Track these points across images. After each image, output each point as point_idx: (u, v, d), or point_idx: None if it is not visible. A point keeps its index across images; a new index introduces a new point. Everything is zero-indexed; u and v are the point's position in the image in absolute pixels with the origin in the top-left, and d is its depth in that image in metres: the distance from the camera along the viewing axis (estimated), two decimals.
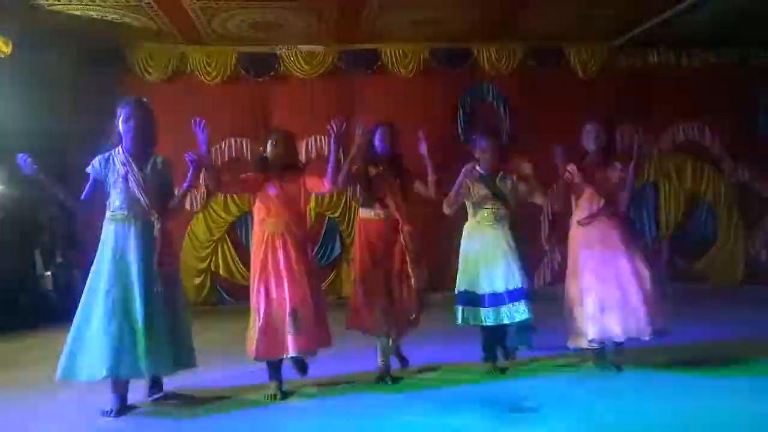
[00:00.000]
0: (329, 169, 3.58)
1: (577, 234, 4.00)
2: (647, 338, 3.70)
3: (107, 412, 3.17)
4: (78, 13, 6.13)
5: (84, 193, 3.40)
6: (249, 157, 7.46)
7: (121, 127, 3.32)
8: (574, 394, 3.40)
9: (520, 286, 3.75)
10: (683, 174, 8.00)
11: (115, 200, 3.32)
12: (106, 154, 3.37)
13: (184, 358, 3.36)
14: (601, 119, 4.06)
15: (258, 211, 3.69)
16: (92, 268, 3.28)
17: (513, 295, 3.75)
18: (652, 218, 7.98)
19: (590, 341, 3.77)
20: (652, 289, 3.79)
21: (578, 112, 7.19)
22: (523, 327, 4.03)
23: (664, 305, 3.87)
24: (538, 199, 4.09)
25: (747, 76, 7.84)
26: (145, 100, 3.49)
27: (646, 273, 3.82)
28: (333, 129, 3.52)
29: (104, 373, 3.07)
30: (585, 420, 2.95)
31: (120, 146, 3.35)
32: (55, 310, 6.51)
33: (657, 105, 7.94)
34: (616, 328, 3.70)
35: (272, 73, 7.48)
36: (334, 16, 6.53)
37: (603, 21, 6.95)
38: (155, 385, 3.49)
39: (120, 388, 3.23)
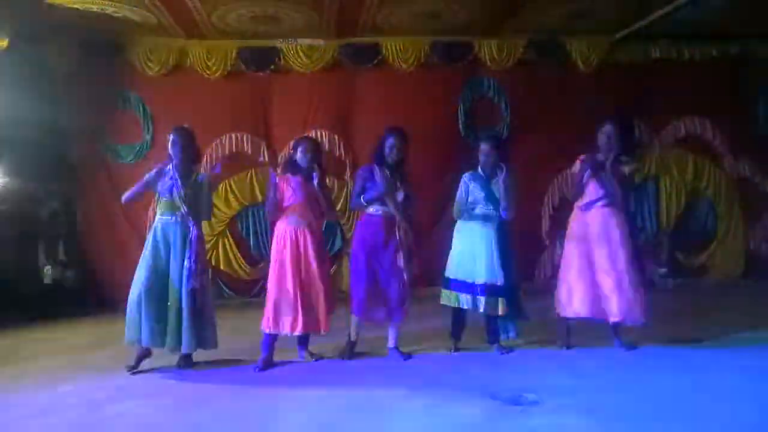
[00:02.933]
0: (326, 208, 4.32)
1: (575, 219, 4.43)
2: (615, 320, 4.17)
3: (128, 367, 4.03)
4: (77, 6, 6.10)
5: (132, 191, 4.17)
6: (249, 152, 7.46)
7: (170, 150, 4.12)
8: (576, 386, 3.40)
9: (498, 283, 4.20)
10: (684, 169, 7.99)
11: (162, 206, 4.12)
12: (161, 168, 4.15)
13: (208, 339, 4.08)
14: (612, 120, 4.35)
15: (283, 207, 4.25)
16: (141, 257, 4.05)
17: (491, 290, 4.20)
18: (653, 213, 7.98)
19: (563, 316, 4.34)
20: (630, 283, 4.14)
21: (579, 106, 7.23)
22: (506, 318, 4.34)
23: (641, 299, 4.15)
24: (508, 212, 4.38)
25: (748, 71, 7.81)
26: (187, 126, 4.26)
27: (625, 267, 4.16)
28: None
29: (143, 342, 3.94)
30: (586, 412, 2.96)
31: (171, 164, 4.13)
32: (57, 303, 6.55)
33: (658, 99, 7.90)
34: (581, 308, 4.21)
35: (272, 67, 7.45)
36: (335, 10, 6.51)
37: (604, 15, 6.92)
38: (185, 356, 4.14)
39: (142, 351, 4.06)
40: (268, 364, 4.10)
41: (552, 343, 4.43)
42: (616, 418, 2.90)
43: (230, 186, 7.44)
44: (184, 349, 3.98)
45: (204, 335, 4.05)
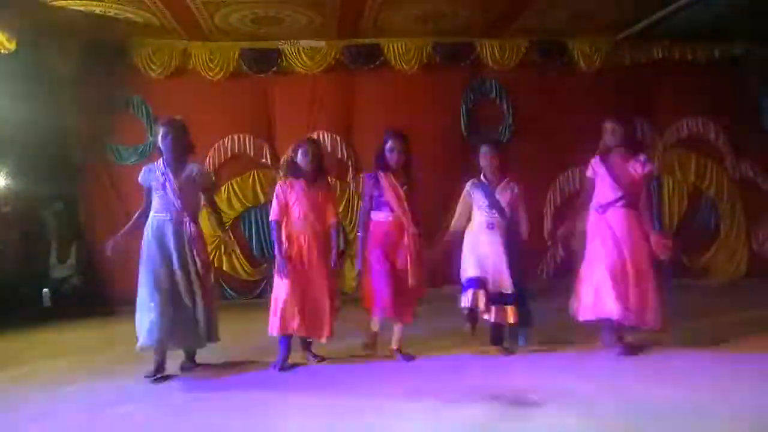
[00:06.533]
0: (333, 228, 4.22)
1: (592, 221, 4.23)
2: (633, 324, 3.99)
3: (148, 375, 3.85)
4: (81, 8, 6.13)
5: (144, 204, 4.02)
6: (252, 153, 7.48)
7: (160, 143, 3.94)
8: (579, 388, 3.40)
9: (508, 291, 4.13)
10: (687, 169, 7.98)
11: (156, 203, 3.94)
12: (150, 165, 4.03)
13: (212, 333, 4.02)
14: (617, 115, 4.22)
15: (289, 211, 4.17)
16: (141, 258, 3.91)
17: (500, 299, 4.13)
18: (655, 213, 7.97)
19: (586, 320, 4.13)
20: (651, 286, 3.99)
21: (582, 107, 7.24)
22: (513, 326, 4.25)
23: (662, 301, 4.02)
24: (522, 227, 4.32)
25: (751, 71, 7.80)
26: (179, 118, 4.06)
27: (646, 268, 4.00)
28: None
29: (151, 343, 3.80)
30: (589, 414, 2.95)
31: (161, 158, 3.97)
32: (61, 305, 6.58)
33: (661, 99, 7.91)
34: (614, 307, 3.94)
35: (274, 69, 7.47)
36: (337, 11, 6.52)
37: (606, 15, 6.92)
38: (189, 358, 4.13)
39: (159, 355, 3.91)
40: (285, 363, 4.07)
41: (558, 344, 4.39)
42: (617, 420, 2.89)
43: (233, 187, 7.46)
44: (197, 345, 4.01)
45: (211, 330, 4.02)
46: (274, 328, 4.03)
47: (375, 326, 4.26)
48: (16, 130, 6.32)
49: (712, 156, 7.98)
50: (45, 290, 6.63)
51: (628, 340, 4.17)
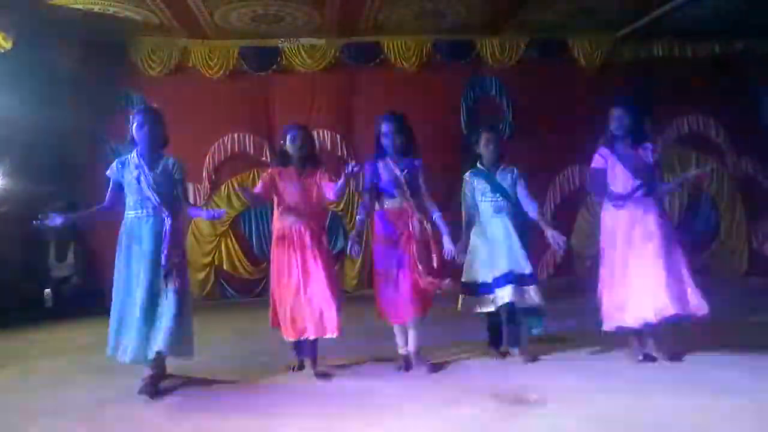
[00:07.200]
0: (337, 188, 3.73)
1: (608, 216, 3.98)
2: (674, 315, 3.68)
3: (147, 393, 3.43)
4: (80, 7, 6.12)
5: (106, 198, 3.65)
6: (251, 151, 7.48)
7: (135, 134, 3.56)
8: (581, 387, 3.39)
9: (527, 271, 3.92)
10: (687, 166, 7.97)
11: (130, 199, 3.58)
12: (123, 158, 3.64)
13: (184, 347, 3.53)
14: (625, 101, 3.97)
15: (278, 203, 3.88)
16: (116, 260, 3.55)
17: (519, 279, 3.91)
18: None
19: (618, 326, 3.84)
20: (684, 272, 3.80)
21: (581, 104, 7.23)
22: (533, 311, 4.02)
23: (696, 287, 3.80)
24: (529, 207, 4.12)
25: (751, 68, 7.79)
26: (155, 106, 3.75)
27: (677, 256, 3.80)
28: (350, 170, 3.59)
29: (123, 360, 3.44)
30: (591, 413, 2.94)
31: (135, 150, 3.60)
32: (61, 304, 6.57)
33: (661, 97, 7.90)
34: (643, 312, 3.71)
35: (274, 67, 7.47)
36: (336, 9, 6.51)
37: (606, 12, 6.91)
38: (155, 377, 3.59)
39: (156, 373, 3.54)
40: (301, 365, 3.94)
41: (558, 343, 4.37)
42: (618, 420, 2.89)
43: (233, 186, 7.46)
44: (163, 350, 3.39)
45: (184, 342, 3.52)
46: (288, 333, 3.78)
47: (402, 343, 3.95)
48: (14, 129, 6.31)
49: (712, 153, 7.97)
50: (47, 290, 6.62)
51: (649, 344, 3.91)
